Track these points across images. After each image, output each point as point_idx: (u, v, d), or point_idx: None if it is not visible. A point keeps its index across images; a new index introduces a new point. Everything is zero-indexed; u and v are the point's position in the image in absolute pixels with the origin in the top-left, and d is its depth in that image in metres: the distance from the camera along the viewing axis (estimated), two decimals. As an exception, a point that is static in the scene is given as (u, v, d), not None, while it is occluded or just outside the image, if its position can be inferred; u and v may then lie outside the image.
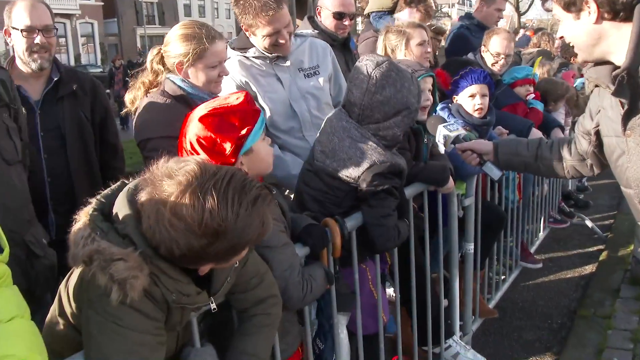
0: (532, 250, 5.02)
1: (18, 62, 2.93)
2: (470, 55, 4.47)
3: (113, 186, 1.47)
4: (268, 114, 3.04)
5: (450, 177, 2.87)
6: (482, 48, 4.36)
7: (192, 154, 1.85)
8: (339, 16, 3.74)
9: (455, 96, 3.46)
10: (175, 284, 1.39)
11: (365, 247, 2.38)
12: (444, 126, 2.71)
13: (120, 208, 1.38)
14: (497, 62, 4.28)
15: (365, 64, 2.34)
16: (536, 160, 2.51)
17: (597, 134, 2.23)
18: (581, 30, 2.02)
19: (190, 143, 1.85)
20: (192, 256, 1.33)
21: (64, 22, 39.74)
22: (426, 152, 2.97)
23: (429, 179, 2.81)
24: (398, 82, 2.30)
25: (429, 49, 3.62)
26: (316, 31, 3.62)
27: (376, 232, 2.33)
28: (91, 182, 3.06)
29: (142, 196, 1.34)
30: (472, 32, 4.94)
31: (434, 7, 4.88)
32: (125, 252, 1.29)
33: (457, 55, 4.62)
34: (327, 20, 3.78)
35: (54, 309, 1.51)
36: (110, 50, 43.91)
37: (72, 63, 37.69)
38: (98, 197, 1.44)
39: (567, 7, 2.02)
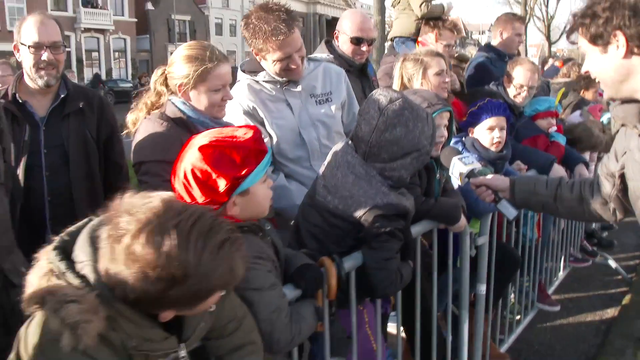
0: (551, 290, 4.79)
1: (26, 78, 2.91)
2: (492, 86, 4.35)
3: (79, 222, 1.38)
4: (275, 140, 2.95)
5: (463, 215, 2.72)
6: (505, 79, 4.23)
7: (184, 182, 1.75)
8: (356, 41, 3.67)
9: (472, 128, 3.32)
10: (136, 328, 1.27)
11: (364, 290, 2.24)
12: (458, 159, 2.59)
13: (81, 246, 1.29)
14: (519, 94, 4.14)
15: (378, 98, 2.22)
16: (555, 201, 2.36)
17: (622, 177, 2.08)
18: (608, 65, 1.90)
19: (184, 171, 1.76)
20: (149, 301, 1.22)
21: (98, 37, 40.81)
22: (438, 188, 2.84)
23: (440, 216, 2.67)
24: (410, 122, 2.17)
25: (447, 79, 3.50)
26: (331, 56, 3.54)
27: (377, 276, 2.19)
28: (93, 202, 2.98)
29: (102, 233, 1.24)
30: (492, 62, 4.81)
31: (460, 25, 4.75)
32: (80, 293, 1.19)
33: (477, 86, 4.50)
34: (344, 45, 3.71)
35: (12, 354, 1.41)
36: (141, 65, 44.81)
37: (104, 77, 38.55)
38: (62, 234, 1.34)
39: (594, 40, 1.89)
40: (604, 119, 5.01)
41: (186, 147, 1.82)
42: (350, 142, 2.33)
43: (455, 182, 2.67)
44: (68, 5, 38.49)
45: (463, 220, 2.70)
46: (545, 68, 10.73)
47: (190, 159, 1.75)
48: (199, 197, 1.73)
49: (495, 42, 5.08)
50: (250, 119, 2.93)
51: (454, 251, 2.93)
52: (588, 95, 5.74)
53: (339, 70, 3.28)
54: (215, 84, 2.45)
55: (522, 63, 4.18)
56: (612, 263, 5.49)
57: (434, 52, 3.59)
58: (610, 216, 2.25)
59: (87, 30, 39.23)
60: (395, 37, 4.73)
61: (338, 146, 2.37)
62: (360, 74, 3.81)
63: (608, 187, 2.17)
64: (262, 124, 2.94)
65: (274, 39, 2.75)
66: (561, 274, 4.98)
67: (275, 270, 1.85)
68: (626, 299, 4.88)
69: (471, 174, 2.53)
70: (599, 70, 1.96)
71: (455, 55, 5.21)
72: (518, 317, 4.22)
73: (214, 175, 1.71)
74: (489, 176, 2.50)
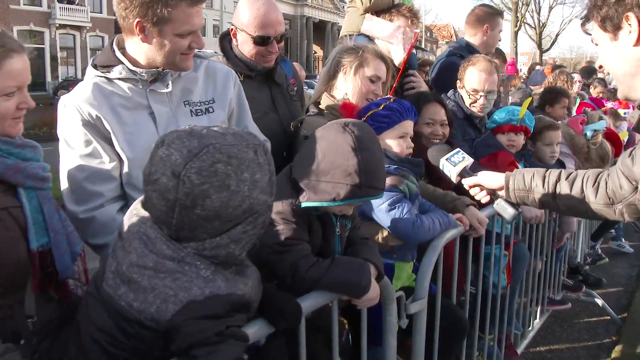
0: (525, 344, 3.88)
1: None
2: (450, 94, 3.52)
3: None
4: (126, 168, 2.11)
5: (378, 278, 1.87)
6: (458, 83, 3.41)
7: None
8: (261, 41, 2.77)
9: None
10: None
11: None
12: (446, 159, 2.35)
13: None
14: (475, 101, 3.32)
15: (168, 154, 1.38)
16: (555, 199, 2.13)
17: None
18: (619, 55, 1.71)
19: None
20: None
21: (74, 34, 39.31)
22: (339, 245, 1.98)
23: (337, 285, 1.80)
24: (232, 179, 1.37)
25: (379, 92, 2.70)
26: (221, 54, 2.73)
27: None
28: None
29: None
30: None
31: (419, 13, 3.94)
32: None
33: (444, 89, 3.68)
34: (245, 46, 2.82)
35: None
36: (119, 64, 43.49)
37: (80, 75, 37.41)
38: None
39: (603, 24, 1.71)
40: (587, 131, 4.13)
41: None
42: None
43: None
44: (42, 0, 37.13)
45: (375, 289, 1.84)
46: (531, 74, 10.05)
47: None
48: None
49: (475, 40, 4.27)
50: (91, 133, 2.10)
51: (374, 323, 2.08)
52: (554, 112, 4.86)
53: (227, 70, 2.45)
54: (5, 85, 1.67)
55: (475, 62, 3.37)
56: (599, 301, 4.72)
57: (382, 54, 2.80)
58: (614, 217, 2.02)
59: (62, 26, 37.70)
60: (345, 36, 3.88)
61: (135, 204, 1.55)
62: (267, 79, 2.93)
63: (626, 188, 1.92)
64: (109, 141, 2.11)
65: (189, 1, 1.99)
66: (537, 321, 4.09)
67: None
68: (616, 351, 4.08)
69: (463, 174, 2.33)
70: (609, 61, 1.76)
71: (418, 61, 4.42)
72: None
73: None
74: (481, 174, 2.32)
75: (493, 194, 2.29)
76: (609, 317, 4.61)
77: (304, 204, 1.78)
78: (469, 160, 2.33)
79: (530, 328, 3.94)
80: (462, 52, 4.16)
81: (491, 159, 3.25)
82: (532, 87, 7.55)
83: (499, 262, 3.14)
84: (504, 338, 3.48)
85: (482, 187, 2.31)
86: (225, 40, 2.91)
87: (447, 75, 4.06)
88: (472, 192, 2.34)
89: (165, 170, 1.36)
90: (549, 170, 2.20)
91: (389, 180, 2.12)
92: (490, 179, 2.29)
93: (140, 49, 2.11)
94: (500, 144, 3.40)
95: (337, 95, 2.74)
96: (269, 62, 2.85)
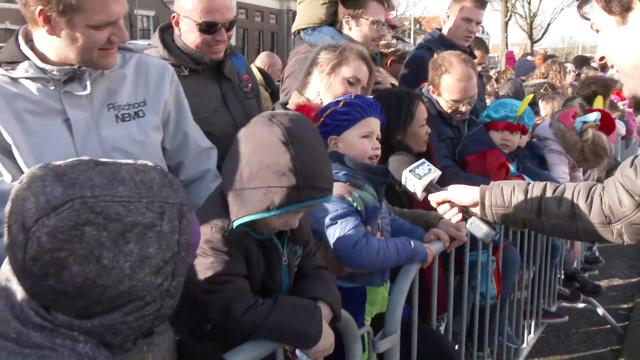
0: None
1: None
2: (425, 90, 3.18)
3: None
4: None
5: (331, 324, 1.53)
6: (430, 87, 3.05)
7: None
8: (207, 28, 2.43)
9: (334, 136, 2.10)
10: None
11: None
12: (409, 171, 2.01)
13: None
14: (457, 110, 3.00)
15: (25, 197, 1.00)
16: (539, 216, 1.82)
17: None
18: (628, 43, 1.47)
19: None
20: None
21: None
22: (287, 277, 1.62)
23: (279, 334, 1.45)
24: (107, 249, 1.00)
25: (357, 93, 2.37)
26: (159, 46, 2.38)
27: None
28: None
29: None
30: (433, 53, 3.59)
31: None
32: None
33: (412, 84, 3.34)
34: (190, 35, 2.48)
35: None
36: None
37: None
38: None
39: (608, 4, 1.45)
40: (576, 124, 3.72)
41: None
42: None
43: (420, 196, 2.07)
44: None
45: (328, 338, 1.49)
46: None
47: None
48: None
49: (444, 29, 3.92)
50: None
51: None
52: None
53: (161, 65, 2.10)
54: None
55: (450, 70, 2.97)
56: (600, 310, 4.42)
57: (362, 52, 2.47)
58: (612, 238, 1.71)
59: (42, 25, 37.23)
60: (301, 29, 3.43)
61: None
62: (217, 74, 2.59)
63: (628, 205, 1.62)
64: (9, 154, 1.76)
65: None
66: (531, 337, 3.74)
67: None
68: (618, 364, 3.75)
69: (430, 189, 2.00)
70: (614, 51, 1.52)
71: (392, 48, 4.08)
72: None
73: None
74: (451, 187, 2.00)
75: (466, 211, 1.97)
76: (609, 326, 4.33)
77: (235, 223, 1.43)
78: (436, 173, 2.01)
79: (524, 345, 3.59)
80: (433, 44, 3.81)
81: (480, 157, 2.92)
82: (522, 78, 7.22)
83: (486, 267, 2.80)
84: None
85: (452, 204, 1.98)
86: (167, 32, 2.55)
87: (411, 71, 3.74)
88: (440, 209, 2.01)
89: (17, 219, 0.99)
90: (533, 183, 1.89)
91: (335, 190, 1.64)
92: (462, 193, 1.96)
93: (49, 43, 1.76)
94: (491, 141, 3.05)
95: (309, 94, 2.41)
96: (217, 53, 2.51)
